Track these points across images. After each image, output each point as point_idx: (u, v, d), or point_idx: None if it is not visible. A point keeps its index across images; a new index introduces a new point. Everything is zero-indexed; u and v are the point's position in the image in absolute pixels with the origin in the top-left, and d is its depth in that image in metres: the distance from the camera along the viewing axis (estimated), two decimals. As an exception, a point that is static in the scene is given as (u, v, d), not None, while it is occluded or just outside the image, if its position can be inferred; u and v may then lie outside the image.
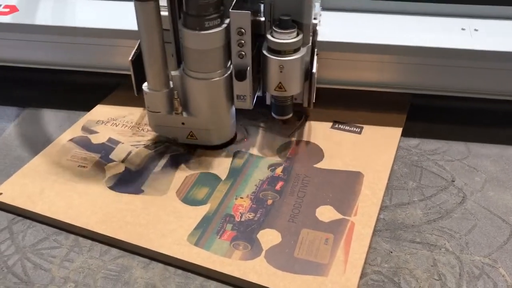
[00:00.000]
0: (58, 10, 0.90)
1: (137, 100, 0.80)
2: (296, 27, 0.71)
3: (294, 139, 0.81)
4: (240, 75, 0.71)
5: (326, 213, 0.68)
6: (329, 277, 0.59)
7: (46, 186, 0.72)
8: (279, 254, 0.62)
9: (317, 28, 0.75)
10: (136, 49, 0.74)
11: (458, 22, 0.84)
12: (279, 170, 0.75)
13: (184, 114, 0.76)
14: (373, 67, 0.84)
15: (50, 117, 0.89)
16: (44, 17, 0.88)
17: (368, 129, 0.83)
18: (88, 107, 0.89)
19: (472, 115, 0.88)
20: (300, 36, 0.71)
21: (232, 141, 0.80)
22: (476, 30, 0.82)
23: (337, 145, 0.80)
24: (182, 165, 0.76)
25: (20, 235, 0.67)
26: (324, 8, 0.85)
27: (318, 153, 0.78)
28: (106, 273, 0.62)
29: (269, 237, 0.65)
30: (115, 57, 0.88)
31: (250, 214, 0.68)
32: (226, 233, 0.65)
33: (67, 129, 0.84)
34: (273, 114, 0.80)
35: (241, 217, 0.67)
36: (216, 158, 0.77)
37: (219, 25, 0.69)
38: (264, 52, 0.72)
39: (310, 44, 0.74)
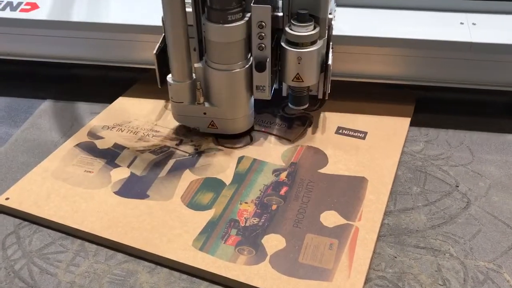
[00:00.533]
0: (75, 6, 0.94)
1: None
2: (313, 21, 0.74)
3: (298, 144, 0.82)
4: (260, 66, 0.75)
5: (330, 218, 0.68)
6: (334, 282, 0.60)
7: (53, 191, 0.73)
8: (284, 259, 0.63)
9: (332, 23, 0.78)
10: (160, 43, 0.78)
11: (457, 17, 0.88)
12: (283, 175, 0.75)
13: (206, 104, 0.80)
14: (380, 60, 0.87)
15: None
16: (63, 13, 0.92)
17: (372, 135, 0.83)
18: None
19: (471, 106, 0.91)
20: (317, 29, 0.74)
21: (250, 130, 0.84)
22: (474, 24, 0.86)
23: (341, 150, 0.80)
24: (187, 170, 0.76)
25: (26, 240, 0.67)
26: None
27: (322, 158, 0.78)
28: (111, 278, 0.62)
29: (273, 242, 0.65)
30: (133, 52, 0.92)
31: (255, 219, 0.68)
32: (231, 238, 0.66)
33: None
34: (290, 105, 0.82)
35: (245, 222, 0.68)
36: (221, 164, 0.77)
37: (241, 19, 0.73)
38: (283, 44, 0.75)
39: (326, 37, 0.77)
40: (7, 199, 0.72)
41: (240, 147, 0.81)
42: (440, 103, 0.93)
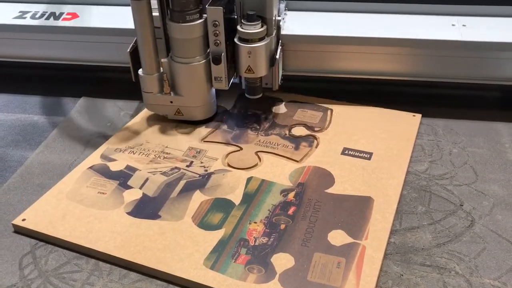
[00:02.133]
0: (109, 15, 1.07)
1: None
2: (261, 21, 0.86)
3: (305, 165, 0.84)
4: (216, 60, 0.87)
5: (337, 237, 0.70)
6: (342, 300, 0.61)
7: (67, 212, 0.75)
8: (293, 278, 0.64)
9: (281, 24, 0.93)
10: (134, 43, 0.90)
11: (448, 20, 0.99)
12: (291, 195, 0.77)
13: (172, 94, 0.92)
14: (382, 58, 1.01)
15: (99, 111, 1.02)
16: (99, 21, 1.05)
17: (377, 155, 0.85)
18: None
19: (464, 100, 1.02)
20: (264, 28, 0.87)
21: (212, 118, 0.96)
22: (464, 25, 0.97)
23: (348, 170, 0.82)
24: (197, 191, 0.78)
25: (42, 260, 0.69)
26: (290, 9, 1.05)
27: (329, 179, 0.80)
28: (125, 296, 0.64)
29: (282, 261, 0.66)
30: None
31: (264, 238, 0.70)
32: (241, 257, 0.67)
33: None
34: (246, 95, 0.96)
35: (255, 241, 0.70)
36: (230, 184, 0.80)
37: (198, 19, 0.86)
38: (236, 41, 0.88)
39: (274, 35, 0.90)
40: (23, 220, 0.74)
41: (249, 168, 0.83)
42: (431, 98, 1.03)
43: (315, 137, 0.90)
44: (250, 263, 0.66)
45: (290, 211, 0.74)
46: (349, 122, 0.94)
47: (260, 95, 0.95)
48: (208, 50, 0.88)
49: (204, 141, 0.90)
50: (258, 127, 0.93)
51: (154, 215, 0.74)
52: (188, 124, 0.94)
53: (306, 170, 0.82)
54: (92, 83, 1.13)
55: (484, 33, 0.94)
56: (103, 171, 0.83)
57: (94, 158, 0.86)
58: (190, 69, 0.88)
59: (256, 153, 0.87)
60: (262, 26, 0.86)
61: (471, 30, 0.95)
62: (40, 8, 1.09)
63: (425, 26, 0.97)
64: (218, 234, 0.71)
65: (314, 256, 0.67)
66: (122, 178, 0.81)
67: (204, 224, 0.72)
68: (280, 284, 0.63)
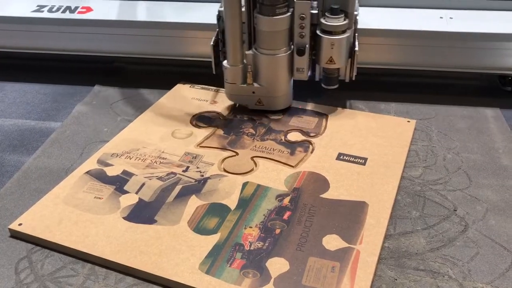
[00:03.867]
0: (122, 8, 1.15)
1: (161, 121, 0.87)
2: (344, 14, 0.91)
3: (300, 170, 0.84)
4: (300, 51, 0.93)
5: (332, 241, 0.70)
6: (336, 304, 0.61)
7: (64, 216, 0.75)
8: (288, 282, 0.65)
9: (357, 18, 0.95)
10: (215, 37, 0.96)
11: (436, 13, 1.07)
12: (286, 200, 0.78)
13: (255, 84, 0.96)
14: (374, 48, 1.06)
15: (96, 116, 1.04)
16: (112, 14, 1.12)
17: (372, 161, 0.86)
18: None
19: (451, 88, 1.10)
20: (346, 21, 0.91)
21: (289, 108, 1.01)
22: (451, 18, 1.05)
23: (342, 176, 0.82)
24: (193, 196, 0.79)
25: (39, 264, 0.69)
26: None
27: (324, 184, 0.81)
28: (121, 301, 0.64)
29: (277, 265, 0.67)
30: (177, 47, 1.13)
31: (259, 243, 0.71)
32: (236, 262, 0.68)
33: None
34: (323, 85, 0.99)
35: (250, 246, 0.70)
36: (226, 189, 0.80)
37: (286, 12, 0.90)
38: (319, 33, 0.92)
39: (353, 28, 0.93)
40: (20, 224, 0.74)
41: (245, 173, 0.84)
42: (422, 86, 1.11)
43: (310, 143, 0.91)
44: (245, 268, 0.67)
45: (285, 216, 0.75)
46: (344, 127, 0.95)
47: (337, 86, 0.98)
48: (291, 43, 0.93)
49: (200, 146, 0.91)
50: (254, 132, 0.94)
51: (150, 220, 0.74)
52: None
53: (302, 175, 0.83)
54: (106, 73, 1.20)
55: (469, 25, 1.02)
56: (100, 176, 0.84)
57: (91, 163, 0.87)
58: (274, 60, 0.93)
59: (252, 158, 0.87)
60: (344, 20, 0.90)
61: (457, 23, 1.03)
62: (57, 2, 1.18)
63: (413, 18, 1.04)
64: (214, 239, 0.71)
65: (309, 261, 0.67)
66: (119, 183, 0.82)
67: (199, 228, 0.73)
68: (275, 288, 0.64)
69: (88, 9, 1.14)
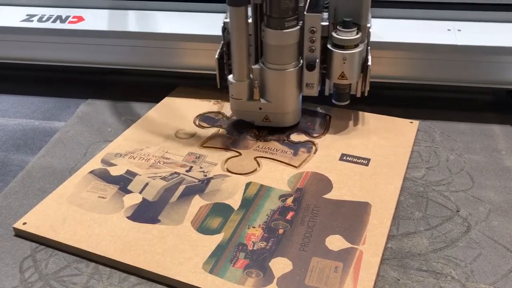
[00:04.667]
0: (115, 18, 1.10)
1: (164, 121, 0.87)
2: (356, 28, 0.86)
3: (303, 170, 0.84)
4: (310, 66, 0.88)
5: (335, 242, 0.70)
6: (339, 304, 0.62)
7: (68, 216, 0.76)
8: (291, 282, 0.65)
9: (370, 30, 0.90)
10: (220, 49, 0.91)
11: (444, 24, 1.02)
12: (289, 201, 0.78)
13: (262, 100, 0.92)
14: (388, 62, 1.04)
15: (100, 116, 1.03)
16: (104, 25, 1.08)
17: (374, 161, 0.86)
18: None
19: (458, 103, 1.05)
20: (359, 35, 0.86)
21: (298, 124, 0.96)
22: (459, 30, 1.00)
23: (345, 176, 0.83)
24: (197, 196, 0.79)
25: (43, 263, 0.70)
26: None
27: (327, 184, 0.81)
28: (125, 300, 0.65)
29: (280, 265, 0.67)
30: (171, 58, 1.10)
31: (262, 243, 0.71)
32: (239, 261, 0.68)
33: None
34: (333, 101, 0.95)
35: (253, 246, 0.70)
36: (229, 189, 0.80)
37: (295, 26, 0.85)
38: (329, 47, 0.87)
39: (366, 42, 0.88)
40: (24, 223, 0.74)
41: (248, 173, 0.84)
42: (431, 100, 1.06)
43: (313, 143, 0.91)
44: (248, 267, 0.67)
45: (289, 216, 0.75)
46: (347, 128, 0.95)
47: (348, 102, 0.94)
48: (300, 58, 0.89)
49: (204, 147, 0.91)
50: (257, 133, 0.94)
51: (154, 220, 0.75)
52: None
53: (305, 176, 0.83)
54: (98, 85, 1.14)
55: (478, 38, 0.97)
56: (104, 176, 0.84)
57: (95, 162, 0.87)
58: (282, 76, 0.88)
59: (255, 158, 0.87)
60: (357, 33, 0.86)
61: (465, 35, 0.98)
62: (47, 11, 1.13)
63: (421, 31, 1.00)
64: (217, 239, 0.71)
65: (312, 261, 0.68)
66: (122, 183, 0.82)
67: (203, 228, 0.73)
68: (278, 288, 0.64)
69: (80, 19, 1.09)
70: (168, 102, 1.05)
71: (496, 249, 0.70)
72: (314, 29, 0.85)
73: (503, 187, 0.81)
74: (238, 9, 0.83)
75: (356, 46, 0.86)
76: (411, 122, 0.96)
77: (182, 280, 0.65)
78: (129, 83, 1.15)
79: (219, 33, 0.91)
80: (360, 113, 0.99)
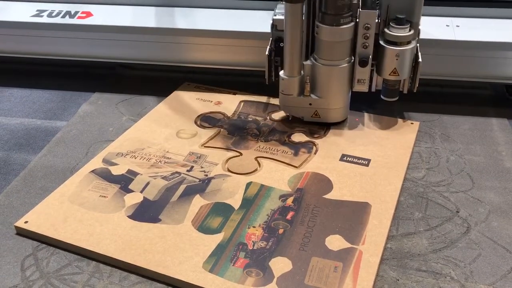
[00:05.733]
0: (122, 14, 1.12)
1: (166, 121, 0.86)
2: (409, 24, 0.87)
3: (304, 171, 0.85)
4: (363, 62, 0.89)
5: (335, 242, 0.71)
6: (338, 303, 0.62)
7: (69, 215, 0.76)
8: (291, 281, 0.65)
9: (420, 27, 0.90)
10: (270, 45, 0.92)
11: (442, 21, 1.04)
12: (289, 201, 0.78)
13: (312, 96, 0.93)
14: None
15: (102, 116, 1.04)
16: (114, 20, 1.10)
17: (375, 162, 0.86)
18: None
19: (457, 97, 1.07)
20: (412, 32, 0.87)
21: (346, 119, 0.97)
22: (457, 26, 1.02)
23: (346, 177, 0.83)
24: (197, 196, 0.79)
25: (44, 261, 0.70)
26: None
27: (327, 185, 0.81)
28: (125, 298, 0.65)
29: (280, 265, 0.68)
30: (180, 53, 1.11)
31: (262, 242, 0.71)
32: (239, 261, 0.68)
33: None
34: (382, 97, 0.96)
35: (253, 246, 0.71)
36: (230, 189, 0.81)
37: (350, 22, 0.86)
38: (382, 43, 0.88)
39: (417, 39, 0.89)
40: (26, 222, 0.75)
41: (248, 173, 0.84)
42: (429, 95, 1.08)
43: (314, 144, 0.91)
44: (248, 267, 0.67)
45: (289, 216, 0.75)
46: (348, 129, 0.95)
47: (397, 98, 0.95)
48: (352, 54, 0.90)
49: (205, 147, 0.91)
50: (258, 133, 0.95)
51: (155, 219, 0.75)
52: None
53: (305, 176, 0.83)
54: (106, 79, 1.17)
55: (476, 33, 0.99)
56: (105, 175, 0.84)
57: (96, 162, 0.88)
58: (335, 71, 0.89)
59: (256, 158, 0.88)
60: (410, 30, 0.87)
61: (464, 31, 1.00)
62: (57, 7, 1.15)
63: (420, 26, 0.98)
64: (217, 238, 0.72)
65: (312, 260, 0.68)
66: (124, 182, 0.83)
67: (203, 228, 0.73)
68: (278, 287, 0.64)
69: (88, 14, 1.12)
70: (171, 101, 1.06)
71: (496, 249, 0.70)
72: (369, 25, 0.86)
73: (503, 188, 0.82)
74: (295, 6, 0.83)
75: (408, 43, 0.87)
76: (412, 123, 0.97)
77: (183, 279, 0.66)
78: (137, 77, 1.18)
79: (226, 28, 0.95)
80: (361, 113, 1.00)
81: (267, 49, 0.92)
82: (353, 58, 0.90)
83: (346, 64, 0.89)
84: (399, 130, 0.94)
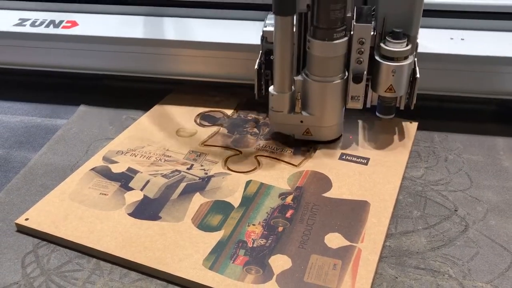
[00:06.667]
0: (106, 24, 1.07)
1: (166, 119, 0.91)
2: (406, 39, 0.82)
3: (303, 169, 0.85)
4: (357, 78, 0.83)
5: (334, 240, 0.71)
6: (337, 301, 0.62)
7: (70, 212, 0.76)
8: (290, 279, 0.66)
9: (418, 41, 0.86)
10: (259, 59, 0.88)
11: (447, 33, 0.99)
12: (289, 199, 0.79)
13: (303, 113, 0.88)
14: None
15: (102, 114, 1.03)
16: (99, 30, 1.05)
17: (374, 161, 0.87)
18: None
19: (461, 113, 1.02)
20: (409, 46, 0.82)
21: (340, 137, 0.92)
22: (462, 39, 0.97)
23: (345, 175, 0.83)
24: (197, 193, 0.80)
25: (45, 259, 0.70)
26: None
27: (326, 183, 0.82)
28: (125, 295, 0.65)
29: (279, 262, 0.68)
30: (166, 64, 1.06)
31: (262, 240, 0.71)
32: (239, 258, 0.69)
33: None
34: (378, 114, 0.92)
35: (253, 243, 0.71)
36: (230, 187, 0.81)
37: (343, 37, 0.81)
38: (378, 58, 0.83)
39: (414, 53, 0.85)
40: (26, 219, 0.75)
41: (248, 171, 0.85)
42: (431, 110, 1.02)
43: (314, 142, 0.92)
44: (248, 264, 0.68)
45: (288, 214, 0.76)
46: (347, 128, 0.96)
47: (393, 115, 0.91)
48: (346, 69, 0.86)
49: (205, 145, 0.92)
50: (257, 131, 0.95)
51: (155, 216, 0.76)
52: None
53: (304, 174, 0.84)
54: (92, 91, 1.12)
55: (481, 47, 0.94)
56: (105, 173, 0.85)
57: (96, 160, 0.88)
58: (327, 88, 0.84)
59: (255, 157, 0.88)
60: (407, 44, 0.82)
61: (469, 44, 0.95)
62: (40, 16, 1.09)
63: (423, 39, 0.95)
64: (217, 236, 0.72)
65: (311, 258, 0.68)
66: (124, 180, 0.83)
67: (203, 225, 0.74)
68: (278, 285, 0.65)
69: (74, 24, 1.06)
70: (170, 100, 1.06)
71: (493, 248, 0.71)
72: (363, 40, 0.81)
73: (501, 187, 0.82)
74: (284, 19, 0.79)
75: (405, 58, 0.82)
76: (410, 123, 0.97)
77: (183, 276, 0.66)
78: (124, 89, 1.12)
79: (217, 40, 0.90)
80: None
81: (257, 62, 0.87)
82: (346, 73, 0.85)
83: (339, 80, 0.84)
84: (398, 129, 0.95)
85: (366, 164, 0.86)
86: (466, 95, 0.99)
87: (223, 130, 0.96)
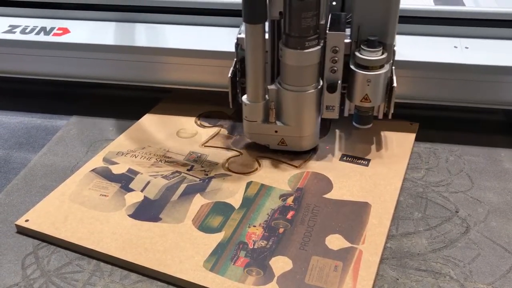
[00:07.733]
0: (99, 31, 1.03)
1: (166, 121, 0.86)
2: (382, 47, 0.79)
3: (304, 170, 0.85)
4: (331, 87, 0.81)
5: (335, 241, 0.71)
6: (338, 302, 0.62)
7: (70, 213, 0.76)
8: (291, 280, 0.65)
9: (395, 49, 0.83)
10: (233, 67, 0.85)
11: (450, 41, 0.95)
12: (290, 200, 0.79)
13: (278, 123, 0.85)
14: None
15: (106, 110, 1.03)
16: (91, 37, 1.01)
17: (375, 162, 0.86)
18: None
19: (463, 123, 0.99)
20: (385, 55, 0.80)
21: (316, 148, 0.90)
22: (466, 47, 0.93)
23: (346, 176, 0.83)
24: (198, 195, 0.80)
25: (45, 260, 0.70)
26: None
27: (327, 184, 0.82)
28: (126, 297, 0.65)
29: (280, 264, 0.68)
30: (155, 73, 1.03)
31: (263, 241, 0.71)
32: (240, 260, 0.68)
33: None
34: (354, 124, 0.88)
35: (254, 245, 0.71)
36: (230, 188, 0.81)
37: (316, 45, 0.79)
38: (352, 67, 0.81)
39: (391, 61, 0.82)
40: (26, 221, 0.75)
41: (249, 173, 0.85)
42: (435, 120, 1.00)
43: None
44: (249, 266, 0.67)
45: (289, 216, 0.76)
46: (348, 129, 0.95)
47: (371, 125, 0.88)
48: (320, 78, 0.83)
49: (205, 146, 0.92)
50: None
51: (155, 218, 0.75)
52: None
53: (305, 176, 0.84)
54: (83, 100, 1.09)
55: (486, 56, 0.91)
56: (105, 174, 0.84)
57: (97, 161, 0.88)
58: (301, 97, 0.82)
59: (256, 158, 0.88)
60: (383, 53, 0.79)
61: (473, 53, 0.92)
62: (31, 22, 1.06)
63: (426, 48, 0.93)
64: (218, 237, 0.72)
65: (312, 260, 0.68)
66: (124, 181, 0.83)
67: (204, 227, 0.74)
68: (278, 287, 0.64)
69: (65, 31, 1.02)
70: (170, 101, 1.06)
71: (495, 249, 0.71)
72: (337, 48, 0.79)
73: (502, 188, 0.82)
74: (255, 27, 0.77)
75: (381, 67, 0.80)
76: (411, 124, 0.97)
77: (183, 278, 0.66)
78: (115, 97, 1.09)
79: (206, 47, 0.88)
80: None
81: (230, 70, 0.84)
82: (321, 82, 0.83)
83: (313, 90, 0.81)
84: (398, 131, 0.95)
85: (367, 165, 0.86)
86: (470, 105, 0.95)
87: (224, 131, 0.96)
